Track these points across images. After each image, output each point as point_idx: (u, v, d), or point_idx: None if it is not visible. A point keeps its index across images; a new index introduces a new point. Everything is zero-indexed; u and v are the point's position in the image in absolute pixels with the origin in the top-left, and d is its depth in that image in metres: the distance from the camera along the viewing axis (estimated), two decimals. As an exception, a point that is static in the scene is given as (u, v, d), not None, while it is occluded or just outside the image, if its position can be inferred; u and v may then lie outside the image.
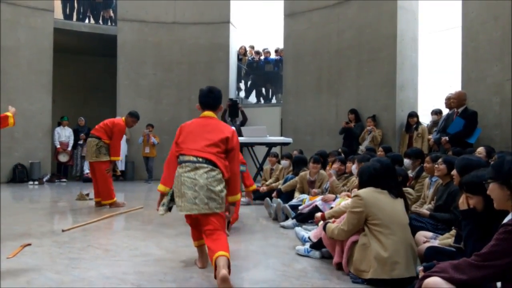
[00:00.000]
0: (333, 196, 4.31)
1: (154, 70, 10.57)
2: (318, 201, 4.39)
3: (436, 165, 3.59)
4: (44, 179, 9.26)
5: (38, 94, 9.47)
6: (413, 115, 7.16)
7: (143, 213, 5.62)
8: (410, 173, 4.48)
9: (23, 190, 8.08)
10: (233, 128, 3.09)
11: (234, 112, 9.95)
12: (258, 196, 6.40)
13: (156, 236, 4.03)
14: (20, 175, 9.12)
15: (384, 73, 7.76)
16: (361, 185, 2.94)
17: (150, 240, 3.84)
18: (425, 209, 3.62)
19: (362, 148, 7.24)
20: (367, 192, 2.80)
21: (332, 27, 8.74)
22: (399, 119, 7.59)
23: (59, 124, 10.06)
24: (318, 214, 3.66)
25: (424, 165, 4.06)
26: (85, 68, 11.92)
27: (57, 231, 4.17)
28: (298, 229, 3.72)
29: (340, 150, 6.53)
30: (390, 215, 2.72)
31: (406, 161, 4.53)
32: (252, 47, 11.31)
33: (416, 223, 3.29)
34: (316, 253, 3.30)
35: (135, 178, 10.40)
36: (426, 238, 3.09)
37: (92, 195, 6.19)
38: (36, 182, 8.95)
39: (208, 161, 2.82)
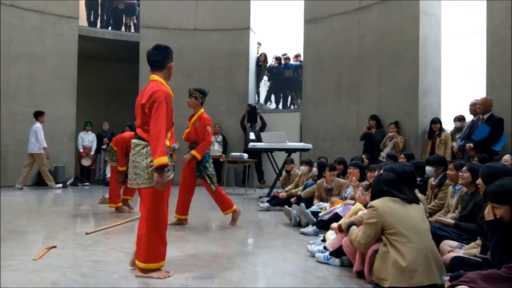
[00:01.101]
0: (353, 201, 4.26)
1: (175, 76, 10.53)
2: (338, 208, 4.35)
3: (460, 173, 3.52)
4: (68, 183, 9.47)
5: (63, 100, 9.73)
6: (436, 121, 7.04)
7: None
8: (433, 181, 4.40)
9: (47, 193, 8.29)
10: (162, 88, 2.81)
11: (252, 118, 10.00)
12: (277, 202, 6.40)
13: (177, 240, 4.07)
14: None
15: (406, 79, 7.67)
16: (373, 196, 2.92)
17: (171, 244, 3.85)
18: (449, 218, 3.55)
19: (383, 154, 7.15)
20: (381, 202, 2.79)
21: (352, 32, 8.70)
22: (421, 126, 7.47)
23: (84, 129, 10.30)
24: (335, 225, 3.64)
25: (447, 172, 3.98)
26: (108, 74, 12.19)
27: (81, 234, 4.25)
28: (311, 248, 3.67)
29: (363, 156, 6.46)
30: (405, 222, 2.69)
31: (429, 168, 4.45)
32: (260, 45, 11.32)
33: (441, 232, 3.23)
34: (336, 261, 3.27)
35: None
36: (451, 248, 3.03)
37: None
38: (60, 185, 9.16)
39: (137, 136, 2.88)
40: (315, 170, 6.07)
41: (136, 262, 2.83)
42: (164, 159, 2.66)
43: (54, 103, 9.55)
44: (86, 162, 10.14)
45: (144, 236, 2.79)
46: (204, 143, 4.76)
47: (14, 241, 3.80)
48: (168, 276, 2.83)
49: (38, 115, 8.76)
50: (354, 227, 3.06)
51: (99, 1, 11.02)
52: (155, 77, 2.92)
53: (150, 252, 2.80)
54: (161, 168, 2.66)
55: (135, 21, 11.18)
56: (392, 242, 2.66)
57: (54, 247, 3.55)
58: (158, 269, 2.85)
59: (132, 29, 11.22)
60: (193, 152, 4.72)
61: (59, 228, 4.56)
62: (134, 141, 2.88)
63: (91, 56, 11.44)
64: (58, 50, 9.68)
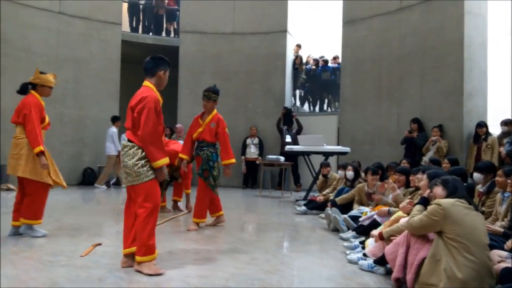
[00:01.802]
0: (386, 209, 4.15)
1: (213, 79, 10.84)
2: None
3: (509, 180, 3.35)
4: (111, 183, 9.82)
5: (107, 103, 10.11)
6: (482, 125, 6.74)
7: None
8: (480, 188, 4.21)
9: (91, 192, 8.64)
10: (151, 94, 2.99)
11: (288, 120, 9.98)
12: (315, 206, 6.34)
13: (216, 241, 4.12)
14: (89, 178, 9.75)
15: (450, 81, 7.39)
16: (448, 196, 2.78)
17: (210, 245, 3.94)
18: (497, 227, 3.38)
19: (426, 159, 6.91)
20: (450, 203, 2.63)
21: (393, 33, 8.50)
22: (466, 129, 7.17)
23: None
24: (375, 232, 3.55)
25: (496, 179, 3.79)
26: None
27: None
28: (350, 257, 3.59)
29: (404, 161, 6.27)
30: (469, 232, 2.54)
31: (477, 175, 4.25)
32: (299, 47, 11.26)
33: (490, 242, 3.08)
34: (381, 269, 3.18)
35: (193, 183, 10.70)
36: (501, 258, 2.88)
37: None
38: (104, 186, 9.51)
39: (128, 139, 3.04)
40: (349, 174, 5.97)
41: (137, 257, 2.93)
42: (165, 160, 2.96)
43: (98, 105, 9.94)
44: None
45: (140, 231, 2.92)
46: (228, 145, 4.82)
47: (62, 237, 3.98)
48: (159, 274, 2.88)
49: (114, 120, 9.37)
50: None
51: (141, 7, 11.39)
52: (147, 83, 3.12)
53: (144, 246, 2.91)
54: (161, 167, 2.95)
55: (175, 26, 11.45)
56: (449, 246, 2.52)
57: (100, 244, 3.69)
58: (150, 261, 2.96)
59: (172, 34, 11.49)
60: (226, 161, 4.76)
61: (104, 226, 4.73)
62: (123, 142, 3.09)
63: (133, 60, 11.79)
64: (102, 55, 10.09)
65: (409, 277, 2.74)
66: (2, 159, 8.64)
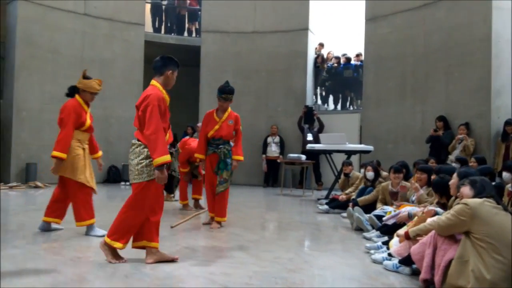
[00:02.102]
0: (406, 214, 4.07)
1: (234, 78, 10.89)
2: (403, 211, 4.17)
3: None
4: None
5: (130, 102, 10.26)
6: (510, 122, 6.53)
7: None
8: (510, 187, 4.08)
9: (116, 190, 8.82)
10: (155, 92, 3.05)
11: (309, 119, 9.92)
12: (337, 205, 6.29)
13: (238, 240, 4.14)
14: (114, 176, 9.96)
15: (477, 78, 7.20)
16: (475, 196, 2.71)
17: (233, 243, 3.96)
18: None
19: (452, 158, 6.75)
20: (478, 202, 2.56)
21: (417, 30, 8.33)
22: (494, 127, 6.96)
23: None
24: (401, 232, 3.47)
25: (527, 178, 3.67)
26: None
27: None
28: (374, 257, 3.54)
29: (432, 160, 6.14)
30: (498, 232, 2.47)
31: (506, 174, 4.13)
32: (322, 46, 11.18)
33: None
34: (406, 269, 3.13)
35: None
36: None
37: (177, 197, 6.55)
38: (128, 183, 9.69)
39: (136, 138, 3.11)
40: (369, 174, 5.88)
41: (106, 238, 3.10)
42: (165, 158, 2.91)
43: (122, 105, 10.13)
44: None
45: (122, 215, 3.08)
46: (240, 142, 4.87)
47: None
48: (119, 262, 3.04)
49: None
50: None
51: (163, 7, 11.54)
52: (154, 81, 3.18)
53: (119, 230, 3.05)
54: (161, 166, 2.91)
55: (197, 26, 11.55)
56: (477, 247, 2.47)
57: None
58: (115, 250, 3.08)
59: (194, 34, 11.60)
60: (237, 157, 4.78)
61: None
62: (132, 141, 3.15)
63: (156, 60, 11.99)
64: (126, 55, 10.27)
65: (437, 278, 2.69)
66: (29, 158, 8.93)
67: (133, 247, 3.16)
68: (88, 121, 4.15)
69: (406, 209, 4.02)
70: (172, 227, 4.59)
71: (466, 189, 2.79)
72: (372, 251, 3.72)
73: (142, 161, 2.99)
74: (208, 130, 4.73)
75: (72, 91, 4.17)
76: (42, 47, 9.16)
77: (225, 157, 4.72)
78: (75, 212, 4.03)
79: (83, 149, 4.11)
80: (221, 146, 4.73)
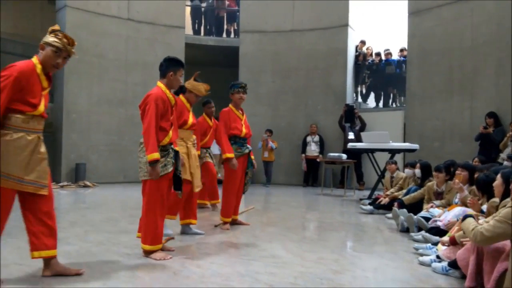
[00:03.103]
0: (454, 222, 3.89)
1: (273, 78, 10.91)
2: (452, 213, 4.00)
3: None
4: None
5: (171, 103, 10.53)
6: None
7: (265, 214, 5.83)
8: None
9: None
10: (155, 92, 3.20)
11: (350, 118, 9.72)
12: (381, 206, 6.13)
13: (281, 239, 4.12)
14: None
15: (531, 71, 6.77)
16: None
17: (275, 242, 3.95)
18: None
19: (503, 156, 6.39)
20: None
21: (465, 22, 7.96)
22: (551, 123, 6.52)
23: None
24: (446, 239, 3.33)
25: None
26: (210, 79, 12.64)
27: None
28: (422, 259, 3.40)
29: (476, 159, 5.85)
30: None
31: None
32: (363, 44, 10.93)
33: None
34: (456, 272, 2.99)
35: (254, 181, 10.84)
36: None
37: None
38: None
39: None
40: (417, 171, 5.68)
41: (141, 245, 3.27)
42: (152, 155, 3.03)
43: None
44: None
45: (144, 222, 3.25)
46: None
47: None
48: (166, 259, 3.16)
49: None
50: (469, 219, 2.69)
51: (203, 10, 11.72)
52: (158, 82, 3.33)
53: (148, 235, 3.20)
54: (153, 163, 3.04)
55: (236, 27, 11.65)
56: None
57: (172, 238, 3.86)
58: (156, 251, 3.23)
59: (232, 35, 11.70)
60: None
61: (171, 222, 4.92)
62: (140, 139, 3.23)
63: (196, 62, 12.19)
64: (167, 58, 10.51)
65: (490, 287, 2.53)
66: (79, 158, 9.36)
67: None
68: (191, 120, 4.14)
69: (455, 212, 3.85)
70: (215, 226, 4.66)
71: None
72: (420, 251, 3.60)
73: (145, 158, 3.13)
74: (238, 127, 4.57)
75: (180, 90, 4.18)
76: (89, 52, 9.57)
77: (249, 156, 4.71)
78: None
79: (187, 147, 4.04)
80: (246, 144, 4.65)
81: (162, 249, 3.38)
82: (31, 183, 2.52)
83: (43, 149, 2.59)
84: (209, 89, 4.24)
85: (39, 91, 2.55)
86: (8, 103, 2.41)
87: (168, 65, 3.33)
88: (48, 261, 2.69)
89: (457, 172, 4.55)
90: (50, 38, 2.60)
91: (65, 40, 2.63)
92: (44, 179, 2.57)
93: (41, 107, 2.54)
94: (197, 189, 4.03)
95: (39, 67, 2.57)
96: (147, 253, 3.23)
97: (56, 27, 2.67)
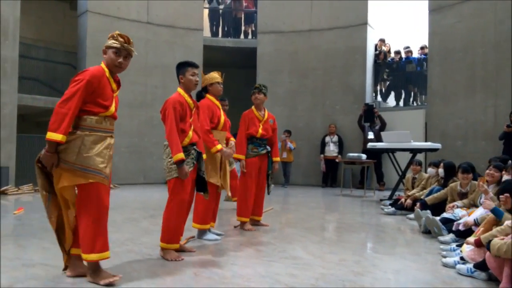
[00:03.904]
0: (472, 222, 3.79)
1: (290, 78, 10.88)
2: (477, 213, 3.90)
3: None
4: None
5: (190, 105, 10.63)
6: None
7: (284, 215, 5.81)
8: None
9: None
10: (172, 97, 3.30)
11: (370, 117, 9.59)
12: (402, 207, 6.03)
13: (301, 240, 4.10)
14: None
15: (559, 67, 6.55)
16: None
17: (296, 244, 3.93)
18: None
19: (530, 155, 6.20)
20: None
21: (488, 19, 7.76)
22: None
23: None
24: (471, 239, 3.24)
25: None
26: (228, 80, 12.65)
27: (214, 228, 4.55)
28: (445, 260, 3.32)
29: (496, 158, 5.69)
30: None
31: None
32: (383, 42, 10.79)
33: None
34: (482, 274, 2.92)
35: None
36: None
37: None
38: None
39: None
40: (441, 171, 5.56)
41: (160, 243, 3.32)
42: (177, 156, 3.12)
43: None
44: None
45: (166, 220, 3.30)
46: (276, 144, 4.89)
47: (158, 232, 4.24)
48: (177, 260, 3.21)
49: None
50: (494, 240, 2.68)
51: (220, 12, 11.79)
52: (178, 88, 3.43)
53: (165, 233, 3.28)
54: (179, 163, 3.13)
55: (253, 28, 11.66)
56: None
57: (193, 237, 3.89)
58: (172, 250, 3.29)
59: (250, 36, 11.72)
60: (277, 158, 4.82)
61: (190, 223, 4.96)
62: (164, 142, 3.31)
63: (214, 64, 12.27)
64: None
65: None
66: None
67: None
68: (223, 118, 4.09)
69: (474, 214, 3.75)
70: (235, 227, 4.67)
71: None
72: (444, 253, 3.52)
73: (171, 159, 3.20)
74: (256, 129, 4.60)
75: (199, 96, 4.11)
76: (110, 56, 9.74)
77: (269, 157, 4.74)
78: (194, 213, 3.94)
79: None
80: (266, 146, 4.70)
81: (184, 250, 3.42)
82: (106, 176, 2.68)
83: (112, 149, 2.76)
84: (222, 73, 4.19)
85: (110, 93, 2.71)
86: (82, 105, 2.58)
87: (177, 71, 3.45)
88: (75, 261, 2.76)
89: (489, 171, 4.41)
90: (108, 41, 2.77)
91: (121, 39, 2.75)
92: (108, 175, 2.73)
93: (112, 108, 2.70)
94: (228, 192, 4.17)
95: (107, 71, 2.74)
96: (161, 251, 3.31)
97: (116, 32, 2.82)
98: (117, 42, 2.73)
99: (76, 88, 2.54)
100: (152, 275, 2.85)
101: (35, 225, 4.60)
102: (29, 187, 7.97)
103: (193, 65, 3.42)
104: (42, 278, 2.72)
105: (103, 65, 2.75)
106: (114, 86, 2.76)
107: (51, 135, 2.47)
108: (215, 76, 4.08)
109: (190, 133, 3.33)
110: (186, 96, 3.37)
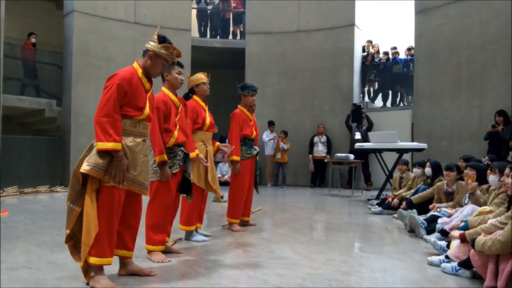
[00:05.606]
0: (459, 224, 3.84)
1: (279, 78, 10.91)
2: (463, 212, 3.95)
3: None
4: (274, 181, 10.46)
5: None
6: None
7: (272, 215, 5.82)
8: None
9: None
10: (157, 96, 3.19)
11: (358, 117, 9.67)
12: (389, 206, 6.08)
13: (289, 241, 4.11)
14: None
15: (541, 68, 6.69)
16: None
17: (284, 244, 3.94)
18: None
19: (513, 154, 6.32)
20: None
21: (472, 20, 7.88)
22: (562, 121, 6.43)
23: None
24: (456, 233, 3.26)
25: None
26: (217, 81, 12.68)
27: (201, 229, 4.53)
28: (431, 259, 3.35)
29: (486, 158, 5.78)
30: None
31: None
32: (370, 43, 10.90)
33: None
34: (467, 272, 2.96)
35: (262, 183, 10.81)
36: None
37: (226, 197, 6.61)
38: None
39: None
40: (428, 170, 5.62)
41: (146, 246, 3.28)
42: (159, 157, 3.09)
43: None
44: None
45: (148, 222, 3.27)
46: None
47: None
48: (164, 261, 3.14)
49: (270, 124, 10.34)
50: (479, 238, 2.71)
51: (209, 12, 11.76)
52: (162, 87, 3.39)
53: (151, 235, 3.24)
54: (161, 164, 3.10)
55: (242, 29, 11.66)
56: None
57: (180, 239, 3.87)
58: (158, 252, 3.24)
59: (238, 37, 11.72)
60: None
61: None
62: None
63: (202, 64, 12.21)
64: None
65: (500, 284, 2.50)
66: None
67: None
68: (208, 119, 3.99)
69: (463, 213, 3.80)
70: (223, 226, 4.67)
71: None
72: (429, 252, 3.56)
73: (154, 161, 3.16)
74: (250, 129, 4.57)
75: (186, 97, 3.98)
76: (97, 56, 9.65)
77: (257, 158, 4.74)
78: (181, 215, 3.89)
79: (206, 150, 3.93)
80: (254, 146, 4.67)
81: (171, 252, 3.39)
82: (138, 184, 2.66)
83: (148, 152, 2.74)
84: (208, 73, 4.07)
85: (143, 93, 2.69)
86: (118, 109, 2.56)
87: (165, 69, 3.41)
88: (124, 261, 2.80)
89: (465, 172, 4.48)
90: (162, 51, 2.74)
91: (175, 52, 2.80)
92: (147, 182, 2.75)
93: (147, 110, 2.68)
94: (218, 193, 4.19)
95: (139, 71, 2.70)
96: (148, 253, 3.27)
97: (158, 29, 2.84)
98: (170, 57, 2.77)
99: (108, 95, 2.54)
100: (139, 278, 2.81)
101: (19, 228, 4.52)
102: (14, 189, 7.84)
103: (179, 64, 3.40)
104: (26, 281, 2.68)
105: (135, 65, 2.71)
106: (147, 85, 2.72)
107: (101, 145, 2.56)
108: (201, 76, 4.03)
109: (176, 133, 3.26)
110: (171, 94, 3.33)
